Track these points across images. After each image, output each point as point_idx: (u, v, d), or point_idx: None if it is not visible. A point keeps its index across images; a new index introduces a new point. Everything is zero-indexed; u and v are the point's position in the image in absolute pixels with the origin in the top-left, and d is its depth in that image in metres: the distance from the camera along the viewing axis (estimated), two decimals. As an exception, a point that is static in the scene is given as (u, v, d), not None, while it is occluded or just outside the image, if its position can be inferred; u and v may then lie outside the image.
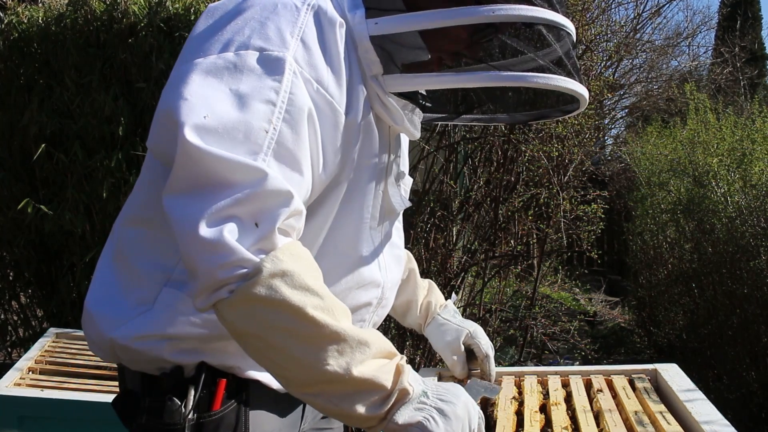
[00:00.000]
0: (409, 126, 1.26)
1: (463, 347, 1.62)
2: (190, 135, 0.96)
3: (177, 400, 1.10)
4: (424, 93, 1.34)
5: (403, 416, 1.02)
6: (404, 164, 1.39)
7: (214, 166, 0.95)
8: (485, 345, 1.62)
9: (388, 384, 1.01)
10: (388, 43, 1.15)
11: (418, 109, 1.28)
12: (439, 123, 4.38)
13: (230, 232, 0.93)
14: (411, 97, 1.25)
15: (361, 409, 1.00)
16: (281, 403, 1.23)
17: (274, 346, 0.97)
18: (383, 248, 1.30)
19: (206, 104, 0.99)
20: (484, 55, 1.21)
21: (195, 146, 0.95)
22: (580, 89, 1.19)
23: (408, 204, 1.36)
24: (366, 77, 1.16)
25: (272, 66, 1.02)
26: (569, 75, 1.18)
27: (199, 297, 0.97)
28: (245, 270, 0.93)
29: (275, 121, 1.00)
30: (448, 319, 1.65)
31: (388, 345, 1.06)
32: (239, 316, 0.96)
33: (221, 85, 1.01)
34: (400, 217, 1.43)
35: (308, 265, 1.00)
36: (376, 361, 1.02)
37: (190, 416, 1.10)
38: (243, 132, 0.98)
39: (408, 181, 1.41)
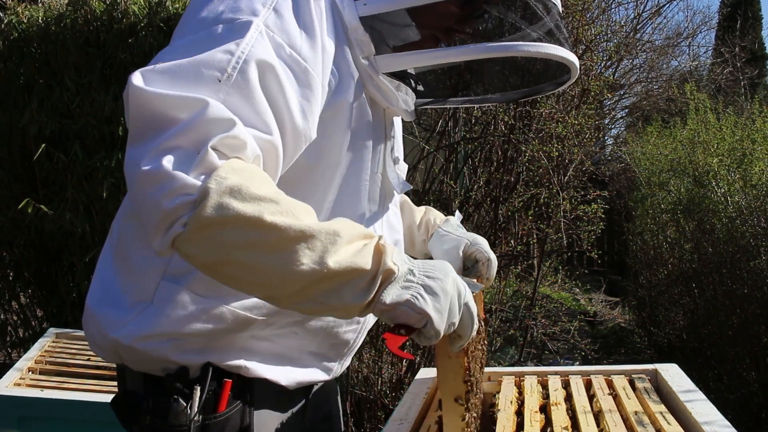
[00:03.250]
0: (404, 106, 1.26)
1: (461, 256, 1.57)
2: (136, 80, 0.95)
3: (182, 401, 1.09)
4: (416, 75, 1.34)
5: (390, 295, 0.99)
6: (399, 150, 1.39)
7: (158, 105, 0.94)
8: (487, 250, 1.57)
9: (368, 266, 0.97)
10: (379, 23, 1.16)
11: (411, 91, 1.28)
12: (439, 123, 4.39)
13: (169, 161, 0.91)
14: (403, 77, 1.25)
15: (349, 298, 0.97)
16: (284, 401, 1.23)
17: (245, 266, 0.94)
18: (383, 232, 1.30)
19: (161, 60, 0.99)
20: (475, 29, 1.22)
21: (138, 88, 0.94)
22: (570, 56, 1.20)
23: (408, 186, 1.36)
24: (357, 59, 1.16)
25: (237, 29, 1.02)
26: (558, 43, 1.18)
27: (155, 237, 0.94)
28: (192, 197, 0.90)
29: (230, 70, 0.98)
30: (449, 231, 1.61)
31: (360, 229, 1.01)
32: (200, 246, 0.93)
33: (186, 53, 1.00)
34: (397, 202, 1.42)
35: (253, 175, 0.95)
36: (352, 246, 0.98)
37: (195, 417, 1.09)
38: (194, 74, 0.97)
39: (403, 167, 1.41)
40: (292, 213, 0.94)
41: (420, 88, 1.33)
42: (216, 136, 0.93)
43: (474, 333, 1.10)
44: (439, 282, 1.02)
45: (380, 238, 1.02)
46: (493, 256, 1.57)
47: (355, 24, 1.15)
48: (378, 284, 0.98)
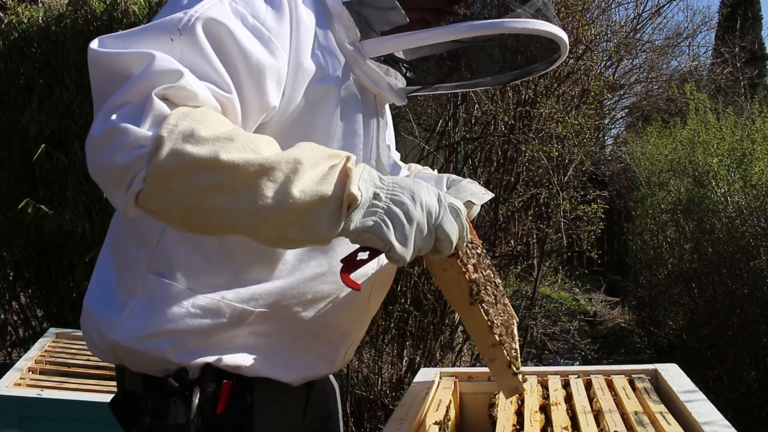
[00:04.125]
0: (394, 90, 1.25)
1: (445, 185, 1.47)
2: (92, 45, 0.96)
3: (181, 403, 1.09)
4: (405, 60, 1.33)
5: (354, 221, 0.96)
6: (390, 139, 1.39)
7: (109, 65, 0.95)
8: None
9: (330, 191, 0.95)
10: (364, 7, 1.15)
11: (400, 76, 1.27)
12: (439, 123, 4.39)
13: (118, 118, 0.90)
14: (393, 63, 1.25)
15: (322, 229, 0.96)
16: (284, 402, 1.23)
17: (213, 210, 0.92)
18: None
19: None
20: (464, 10, 1.21)
21: (92, 50, 0.96)
22: (558, 31, 1.18)
23: (405, 171, 1.35)
24: (343, 44, 1.16)
25: None
26: (546, 19, 1.17)
27: (118, 197, 0.92)
28: (146, 148, 0.89)
29: (181, 28, 0.98)
30: (430, 172, 1.55)
31: (325, 151, 0.99)
32: (165, 198, 0.91)
33: (149, 25, 1.01)
34: None
35: (205, 116, 0.94)
36: (316, 171, 0.95)
37: (194, 419, 1.09)
38: (148, 35, 0.97)
39: (395, 155, 1.40)
40: (250, 147, 0.92)
41: (410, 75, 1.32)
42: (161, 85, 0.92)
43: (452, 251, 1.07)
44: (405, 207, 0.99)
45: (348, 159, 0.99)
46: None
47: (339, 9, 1.15)
48: (345, 211, 0.96)
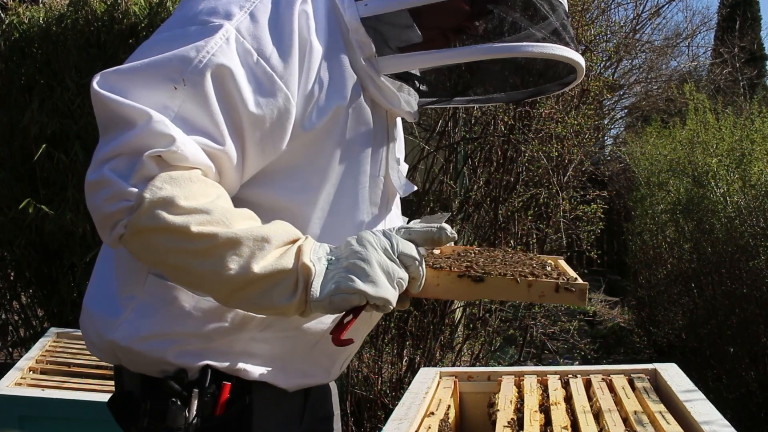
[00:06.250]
0: (406, 107, 1.25)
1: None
2: (95, 81, 1.01)
3: (180, 404, 1.09)
4: (419, 75, 1.33)
5: (318, 290, 1.02)
6: (400, 151, 1.39)
7: (109, 109, 1.00)
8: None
9: (290, 266, 1.01)
10: (381, 24, 1.15)
11: (414, 92, 1.27)
12: (439, 123, 4.39)
13: (111, 169, 0.98)
14: (406, 78, 1.24)
15: (278, 300, 1.01)
16: (282, 404, 1.23)
17: (179, 268, 1.01)
18: None
19: (138, 54, 1.04)
20: (479, 30, 1.22)
21: (94, 90, 1.00)
22: (576, 56, 1.18)
23: (413, 187, 1.35)
24: (357, 61, 1.16)
25: (207, 32, 1.03)
26: (564, 43, 1.17)
27: (103, 233, 1.02)
28: (130, 203, 0.97)
29: (186, 77, 1.01)
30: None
31: (292, 232, 1.05)
32: (139, 247, 1.01)
33: (154, 51, 1.03)
34: (399, 204, 1.40)
35: (190, 184, 0.99)
36: (278, 251, 1.02)
37: (193, 420, 1.09)
38: (151, 79, 1.00)
39: (403, 168, 1.40)
40: (223, 222, 0.99)
41: (423, 88, 1.32)
42: (154, 148, 0.97)
43: (423, 270, 1.10)
44: (360, 255, 1.04)
45: (306, 238, 1.05)
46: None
47: (356, 25, 1.14)
48: (302, 283, 1.01)
